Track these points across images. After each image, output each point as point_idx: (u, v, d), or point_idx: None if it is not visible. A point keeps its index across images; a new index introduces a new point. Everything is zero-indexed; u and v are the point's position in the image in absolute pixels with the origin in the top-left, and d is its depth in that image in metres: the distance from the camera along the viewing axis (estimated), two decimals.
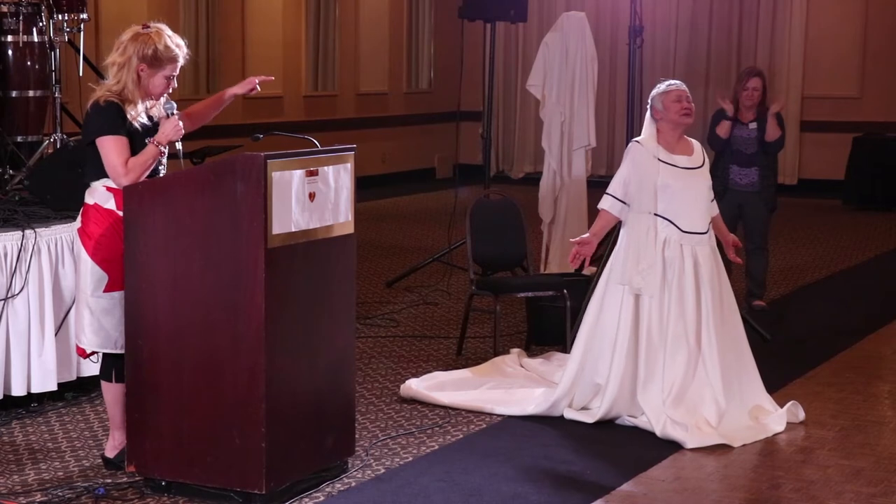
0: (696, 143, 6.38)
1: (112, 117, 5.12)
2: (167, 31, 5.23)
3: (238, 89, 5.54)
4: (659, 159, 6.18)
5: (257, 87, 5.51)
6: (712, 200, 6.36)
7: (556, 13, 13.35)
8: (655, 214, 6.14)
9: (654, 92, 6.29)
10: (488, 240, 7.67)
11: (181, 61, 5.24)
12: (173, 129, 5.19)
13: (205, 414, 4.94)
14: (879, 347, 8.01)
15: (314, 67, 15.02)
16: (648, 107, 6.30)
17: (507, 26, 14.68)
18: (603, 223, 6.30)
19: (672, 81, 6.32)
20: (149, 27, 5.20)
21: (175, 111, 5.27)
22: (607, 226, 6.33)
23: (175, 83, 5.26)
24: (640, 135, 6.37)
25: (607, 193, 6.26)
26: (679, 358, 6.05)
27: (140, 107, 5.21)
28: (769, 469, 5.66)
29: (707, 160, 6.36)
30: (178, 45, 5.22)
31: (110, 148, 5.10)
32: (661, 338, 6.06)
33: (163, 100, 5.30)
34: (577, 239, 6.28)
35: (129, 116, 5.15)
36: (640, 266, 6.08)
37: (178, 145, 5.26)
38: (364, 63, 15.68)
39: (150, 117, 5.26)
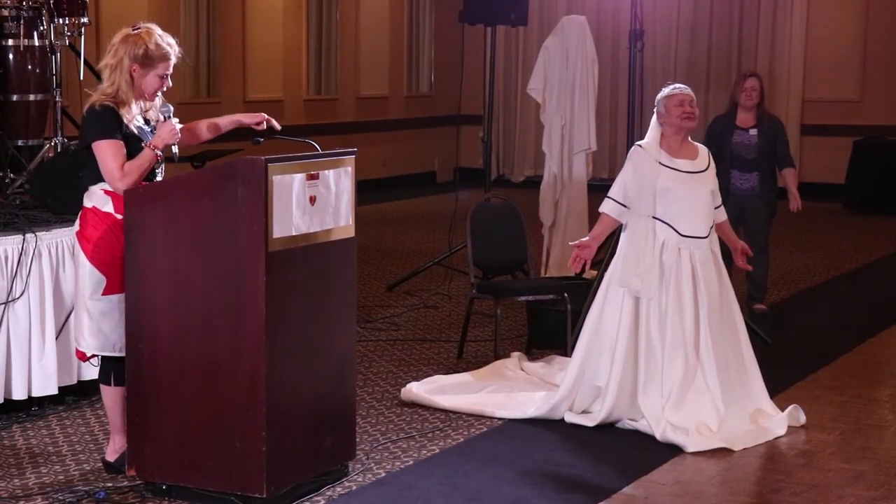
0: (701, 148, 6.36)
1: (108, 121, 5.11)
2: (157, 30, 5.23)
3: (246, 119, 5.54)
4: (660, 163, 6.17)
5: (264, 125, 5.50)
6: (718, 207, 6.34)
7: (556, 17, 13.36)
8: (654, 217, 6.15)
9: (659, 95, 6.29)
10: (489, 243, 7.66)
11: (173, 59, 5.23)
12: (170, 132, 5.19)
13: (205, 417, 4.94)
14: (880, 351, 8.01)
15: (315, 71, 15.02)
16: (655, 110, 6.31)
17: (507, 30, 14.68)
18: (603, 227, 6.31)
19: (677, 85, 6.32)
20: (139, 28, 5.20)
21: (172, 114, 5.27)
22: (607, 229, 6.34)
23: (169, 82, 5.25)
24: (642, 138, 6.37)
25: (608, 197, 6.27)
26: (677, 363, 6.04)
27: (135, 108, 5.21)
28: (770, 473, 5.65)
29: (713, 165, 6.34)
30: (169, 44, 5.21)
31: (106, 152, 5.09)
32: (661, 341, 6.07)
33: (159, 103, 5.29)
34: (577, 242, 6.29)
35: (124, 120, 5.14)
36: (638, 269, 6.09)
37: (175, 149, 5.26)
38: (365, 67, 15.68)
39: (146, 120, 5.26)
